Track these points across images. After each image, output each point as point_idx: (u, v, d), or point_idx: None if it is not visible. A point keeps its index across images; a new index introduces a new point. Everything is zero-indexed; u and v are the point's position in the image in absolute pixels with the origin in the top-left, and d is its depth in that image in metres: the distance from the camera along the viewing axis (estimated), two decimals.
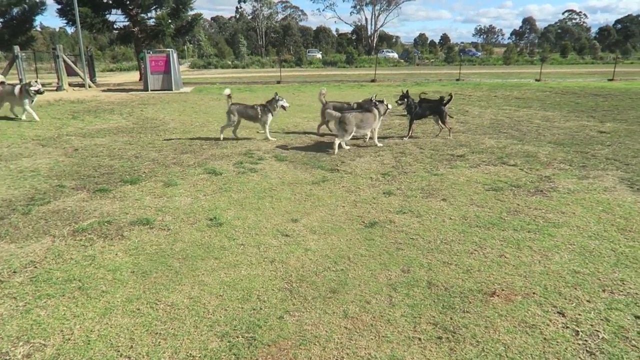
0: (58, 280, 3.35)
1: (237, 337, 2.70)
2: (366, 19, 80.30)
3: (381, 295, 3.13)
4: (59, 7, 22.32)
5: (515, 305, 3.00)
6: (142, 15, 24.11)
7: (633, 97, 14.76)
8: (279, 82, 22.33)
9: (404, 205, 4.94)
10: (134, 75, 28.99)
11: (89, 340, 2.66)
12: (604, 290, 3.16)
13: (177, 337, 2.69)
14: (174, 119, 11.17)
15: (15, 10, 22.93)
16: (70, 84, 19.31)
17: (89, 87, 20.14)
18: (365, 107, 8.25)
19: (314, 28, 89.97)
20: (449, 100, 8.66)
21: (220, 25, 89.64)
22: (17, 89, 10.57)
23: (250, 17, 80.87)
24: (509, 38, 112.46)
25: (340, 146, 7.63)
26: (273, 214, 4.71)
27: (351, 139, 7.85)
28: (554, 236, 4.07)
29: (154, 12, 24.56)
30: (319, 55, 59.22)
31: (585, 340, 2.63)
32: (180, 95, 17.14)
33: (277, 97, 8.50)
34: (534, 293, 3.14)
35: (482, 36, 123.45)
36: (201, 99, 15.59)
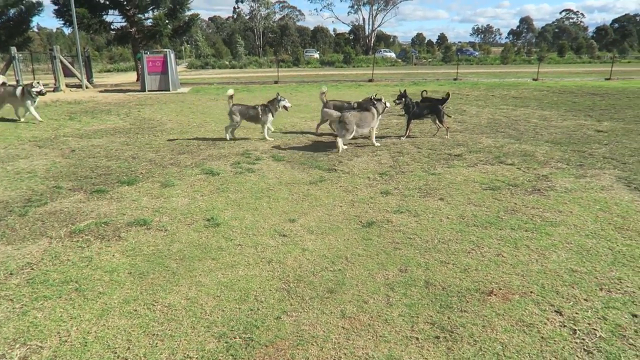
0: (55, 281, 3.34)
1: (235, 337, 2.69)
2: (364, 19, 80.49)
3: (379, 295, 3.13)
4: (56, 7, 22.28)
5: (513, 304, 3.00)
6: (139, 15, 24.06)
7: (630, 96, 14.80)
8: (276, 82, 22.32)
9: (401, 204, 4.94)
10: (132, 76, 28.96)
11: (86, 342, 2.65)
12: (601, 289, 3.17)
13: (174, 338, 2.69)
14: (171, 120, 11.15)
15: (12, 11, 22.86)
16: (67, 85, 19.27)
17: (86, 87, 20.10)
18: (364, 106, 8.25)
19: (312, 28, 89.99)
20: (445, 100, 8.68)
21: (218, 26, 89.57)
22: (18, 91, 10.51)
23: (247, 17, 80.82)
24: (506, 37, 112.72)
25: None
26: (270, 214, 4.70)
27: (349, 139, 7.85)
28: (552, 235, 4.08)
29: (151, 12, 24.51)
30: (316, 55, 59.18)
31: (583, 339, 2.63)
32: (178, 95, 17.12)
33: (279, 97, 8.49)
34: (531, 292, 3.14)
35: (479, 36, 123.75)
36: (199, 100, 15.57)
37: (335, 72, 34.52)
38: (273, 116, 8.52)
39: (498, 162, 6.71)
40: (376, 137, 8.13)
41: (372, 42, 76.47)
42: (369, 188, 5.55)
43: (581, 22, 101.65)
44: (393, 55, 61.85)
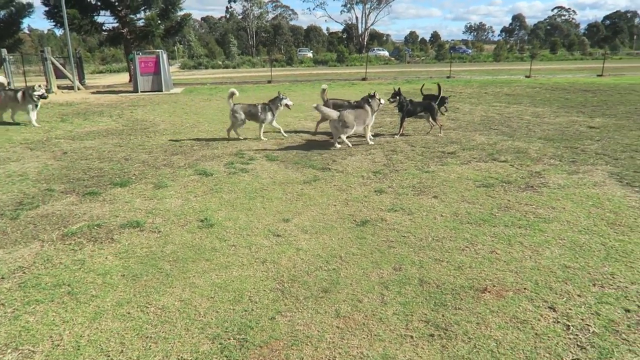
0: (47, 285, 3.31)
1: (229, 339, 2.68)
2: (357, 18, 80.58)
3: (373, 294, 3.13)
4: (47, 9, 22.13)
5: (507, 301, 3.01)
6: (131, 16, 23.96)
7: (622, 92, 14.89)
8: (269, 82, 22.28)
9: (395, 203, 4.94)
10: (124, 77, 28.80)
11: (79, 346, 2.63)
12: (594, 285, 3.18)
13: (168, 341, 2.67)
14: (164, 121, 11.10)
15: (1, 13, 22.72)
16: (59, 87, 19.13)
17: (78, 89, 19.97)
18: (355, 103, 8.28)
19: (305, 27, 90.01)
20: (439, 93, 8.72)
21: (211, 26, 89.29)
22: (19, 95, 10.39)
23: (240, 17, 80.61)
24: (499, 35, 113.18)
25: (338, 143, 7.68)
26: (264, 214, 4.69)
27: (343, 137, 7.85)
28: (545, 231, 4.09)
29: (143, 13, 24.41)
30: (310, 54, 59.17)
31: (576, 335, 2.64)
32: (171, 96, 17.05)
33: (280, 95, 8.48)
34: (525, 288, 3.15)
35: (472, 33, 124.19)
36: (192, 100, 15.51)
37: (329, 71, 34.51)
38: (274, 115, 8.50)
39: (491, 159, 6.73)
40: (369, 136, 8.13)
41: (366, 40, 76.54)
42: (363, 187, 5.55)
43: (573, 19, 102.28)
44: (386, 53, 61.96)
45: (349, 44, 72.20)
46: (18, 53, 24.86)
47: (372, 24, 79.26)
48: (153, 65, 18.12)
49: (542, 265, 3.48)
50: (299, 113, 11.72)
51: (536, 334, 2.66)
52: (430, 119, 8.73)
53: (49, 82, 18.39)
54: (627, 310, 2.86)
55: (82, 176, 6.20)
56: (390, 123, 10.20)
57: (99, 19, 23.61)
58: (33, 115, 10.44)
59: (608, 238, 3.92)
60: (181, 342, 2.65)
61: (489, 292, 3.12)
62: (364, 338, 2.67)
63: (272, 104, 8.43)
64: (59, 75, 19.83)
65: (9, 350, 2.60)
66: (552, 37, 77.30)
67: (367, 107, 7.80)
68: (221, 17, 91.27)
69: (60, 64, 20.83)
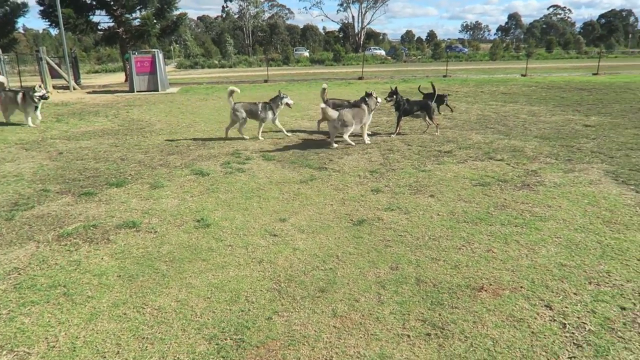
0: (42, 286, 3.30)
1: (225, 339, 2.67)
2: (353, 17, 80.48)
3: (370, 293, 3.13)
4: (42, 8, 22.01)
5: (503, 299, 3.01)
6: (127, 15, 23.87)
7: (617, 91, 14.95)
8: (266, 81, 22.26)
9: (392, 202, 4.94)
10: (120, 77, 28.70)
11: (75, 347, 2.62)
12: (590, 283, 3.19)
13: (164, 341, 2.66)
14: (160, 120, 11.07)
15: None
16: (54, 87, 19.05)
17: (74, 89, 19.89)
18: (354, 102, 8.28)
19: (301, 26, 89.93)
20: (434, 92, 8.74)
21: (207, 25, 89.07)
22: (19, 96, 10.30)
23: (236, 16, 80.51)
24: (495, 34, 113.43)
25: (335, 143, 7.70)
26: (261, 213, 4.68)
27: (337, 136, 7.86)
28: (541, 230, 4.10)
29: (138, 12, 24.33)
30: (306, 54, 59.10)
31: (572, 333, 2.65)
32: (167, 96, 17.00)
33: (281, 94, 8.47)
34: (521, 287, 3.16)
35: (468, 32, 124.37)
36: (188, 100, 15.48)
37: (326, 70, 34.49)
38: (275, 114, 8.49)
39: (488, 158, 6.75)
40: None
41: (362, 39, 76.57)
42: (360, 186, 5.55)
43: (568, 17, 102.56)
44: (383, 52, 62.00)
45: (346, 43, 72.24)
46: (13, 53, 24.74)
47: (368, 23, 79.37)
48: (149, 64, 18.06)
49: (538, 263, 3.49)
50: (295, 112, 11.71)
51: (532, 332, 2.67)
52: (427, 118, 8.74)
53: (44, 82, 18.30)
54: (623, 308, 2.87)
55: (78, 176, 6.18)
56: (387, 122, 10.20)
57: (95, 19, 23.56)
58: (34, 117, 10.36)
59: (604, 236, 3.94)
60: (177, 343, 2.64)
61: (486, 290, 3.12)
62: (361, 337, 2.67)
63: (273, 103, 8.41)
64: (55, 75, 19.74)
65: (4, 352, 2.58)
66: (548, 35, 77.57)
67: (364, 106, 7.80)
68: (217, 16, 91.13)
69: (56, 63, 20.73)
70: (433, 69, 30.91)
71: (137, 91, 17.99)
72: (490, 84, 18.50)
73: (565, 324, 2.74)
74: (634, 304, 2.91)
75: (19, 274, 3.49)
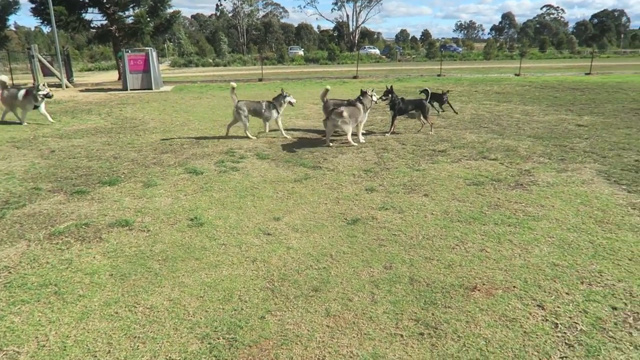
0: (33, 285, 3.27)
1: (218, 338, 2.66)
2: (347, 16, 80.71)
3: (363, 293, 3.13)
4: (33, 6, 21.79)
5: (496, 299, 3.02)
6: (120, 13, 23.67)
7: (609, 91, 15.05)
8: (260, 80, 22.20)
9: (386, 201, 4.94)
10: (113, 75, 28.51)
11: (65, 346, 2.59)
12: (582, 282, 3.21)
13: (156, 340, 2.64)
14: (153, 119, 11.01)
15: None
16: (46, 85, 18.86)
17: (66, 87, 19.73)
18: (349, 101, 8.26)
19: (296, 25, 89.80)
20: (427, 95, 8.74)
21: (201, 23, 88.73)
22: (21, 93, 10.16)
23: (230, 14, 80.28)
24: (488, 33, 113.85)
25: (328, 142, 7.73)
26: (255, 212, 4.67)
27: (333, 134, 7.85)
28: (534, 229, 4.12)
29: (131, 10, 24.16)
30: (300, 52, 59.05)
31: (564, 333, 2.66)
32: (160, 94, 16.92)
33: (284, 93, 8.44)
34: (514, 287, 3.17)
35: (462, 32, 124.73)
36: (182, 98, 15.40)
37: (320, 69, 34.46)
38: (279, 112, 8.45)
39: (481, 157, 6.77)
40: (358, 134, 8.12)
41: (357, 38, 76.57)
42: (354, 185, 5.55)
43: (561, 17, 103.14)
44: (377, 51, 62.00)
45: (340, 42, 72.16)
46: (4, 50, 24.52)
47: (363, 22, 79.43)
48: (142, 63, 17.96)
49: (531, 263, 3.50)
50: (289, 111, 11.67)
51: (525, 332, 2.68)
52: (422, 117, 8.75)
53: (36, 80, 18.15)
54: (614, 308, 2.89)
55: (70, 175, 6.13)
56: (382, 121, 10.20)
57: (87, 16, 23.29)
58: (25, 114, 10.25)
59: (596, 236, 3.96)
60: (170, 342, 2.63)
61: (479, 290, 3.13)
62: (354, 337, 2.66)
63: (276, 102, 8.38)
64: (47, 73, 19.58)
65: None
66: (541, 35, 78.00)
67: (360, 105, 7.79)
68: (211, 14, 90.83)
69: (48, 61, 20.57)
70: (427, 68, 30.96)
71: (131, 89, 17.88)
72: (484, 84, 18.57)
73: (557, 323, 2.75)
74: (625, 304, 2.93)
75: (10, 272, 3.46)
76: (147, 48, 18.81)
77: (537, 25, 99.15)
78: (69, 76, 22.03)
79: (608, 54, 53.20)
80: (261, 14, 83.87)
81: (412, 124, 9.64)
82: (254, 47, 71.98)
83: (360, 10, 76.35)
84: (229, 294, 3.13)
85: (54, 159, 7.05)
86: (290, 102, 8.49)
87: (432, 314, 2.86)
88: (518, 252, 3.68)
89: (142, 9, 23.46)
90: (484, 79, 21.24)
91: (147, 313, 2.92)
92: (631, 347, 2.52)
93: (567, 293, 3.07)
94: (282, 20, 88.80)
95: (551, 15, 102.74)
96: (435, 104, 10.81)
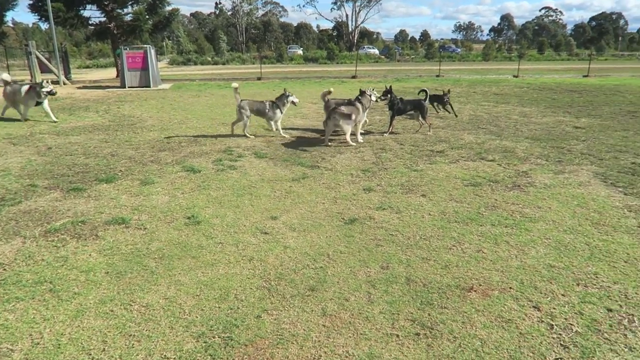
0: (28, 282, 3.25)
1: (214, 337, 2.65)
2: (347, 15, 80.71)
3: (360, 292, 3.12)
4: (31, 2, 21.70)
5: (492, 300, 3.02)
6: (118, 10, 23.61)
7: (607, 93, 15.09)
8: (259, 79, 22.17)
9: (383, 201, 4.94)
10: (111, 72, 28.44)
11: (59, 344, 2.58)
12: (578, 284, 3.21)
13: (151, 339, 2.63)
14: (151, 116, 10.98)
15: None
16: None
17: (64, 84, 19.67)
18: (347, 100, 8.26)
19: (295, 24, 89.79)
20: (426, 95, 8.74)
21: (200, 21, 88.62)
22: (24, 89, 10.09)
23: (230, 13, 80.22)
24: (487, 34, 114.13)
25: (327, 141, 7.71)
26: (252, 211, 4.66)
27: (332, 134, 7.85)
28: (531, 231, 4.12)
29: (130, 7, 24.08)
30: (300, 52, 59.02)
31: (560, 334, 2.67)
32: (159, 92, 16.88)
33: (286, 92, 8.42)
34: (510, 288, 3.17)
35: (461, 33, 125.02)
36: (180, 96, 15.37)
37: (319, 69, 34.44)
38: (282, 112, 8.44)
39: (479, 158, 6.77)
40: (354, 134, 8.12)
41: (356, 38, 76.64)
42: (352, 185, 5.54)
43: (560, 19, 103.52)
44: (376, 51, 62.04)
45: (339, 42, 72.22)
46: (2, 47, 24.42)
47: (362, 22, 79.53)
48: (141, 60, 17.91)
49: (527, 264, 3.50)
50: (288, 111, 11.63)
51: (520, 333, 2.68)
52: (420, 118, 8.76)
53: (33, 77, 18.08)
54: (610, 310, 2.90)
55: (67, 172, 6.11)
56: (380, 121, 10.20)
57: (85, 13, 23.24)
58: (25, 110, 10.19)
59: (592, 238, 3.97)
60: (165, 341, 2.62)
61: (475, 291, 3.13)
62: (350, 337, 2.66)
63: (279, 101, 8.36)
64: (44, 69, 19.50)
65: None
66: (540, 37, 78.16)
67: (358, 104, 7.79)
68: (210, 13, 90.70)
69: (46, 58, 20.49)
70: (426, 69, 30.99)
71: (129, 87, 17.83)
72: (483, 85, 18.59)
73: (552, 325, 2.75)
74: (620, 306, 2.94)
75: (4, 269, 3.44)
76: (145, 46, 18.77)
77: (536, 27, 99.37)
78: (67, 73, 21.96)
79: (606, 57, 53.39)
80: (260, 12, 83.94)
81: (410, 124, 9.64)
82: (253, 45, 71.92)
83: (360, 10, 76.49)
84: (225, 292, 3.13)
85: (51, 155, 7.02)
86: (293, 102, 8.47)
87: (429, 315, 2.86)
88: (515, 253, 3.68)
89: (141, 6, 23.41)
90: (482, 80, 21.27)
91: (143, 311, 2.91)
92: (626, 349, 2.53)
93: (562, 294, 3.08)
94: (282, 19, 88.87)
95: (550, 18, 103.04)
96: (436, 104, 10.82)
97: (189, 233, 4.11)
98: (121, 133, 8.87)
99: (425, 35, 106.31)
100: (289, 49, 59.90)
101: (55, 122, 10.03)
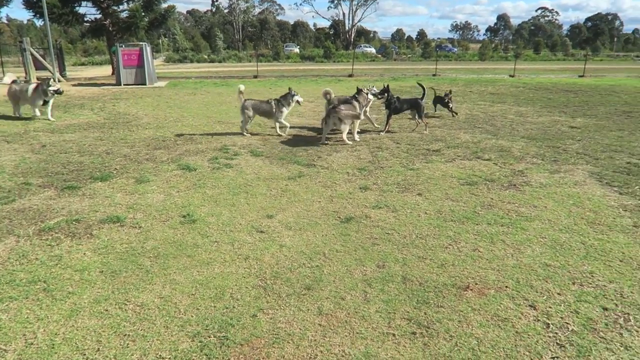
0: (22, 281, 3.22)
1: (209, 336, 2.64)
2: (344, 14, 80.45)
3: (356, 291, 3.11)
4: None
5: (488, 299, 3.02)
6: (114, 7, 23.47)
7: (602, 93, 15.14)
8: (255, 77, 22.12)
9: (379, 200, 4.93)
10: (107, 70, 28.28)
11: (53, 344, 2.56)
12: (573, 283, 3.21)
13: (146, 338, 2.62)
14: (147, 114, 10.93)
15: None
16: (38, 79, 18.67)
17: (58, 81, 19.52)
18: (344, 99, 8.25)
19: (292, 22, 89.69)
20: (423, 93, 8.74)
21: (196, 19, 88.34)
22: (31, 87, 9.99)
23: (226, 10, 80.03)
24: (484, 34, 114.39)
25: (324, 140, 7.70)
26: (248, 210, 4.64)
27: (329, 132, 7.83)
28: (527, 230, 4.13)
29: (126, 4, 23.95)
30: (296, 50, 58.96)
31: (556, 333, 2.67)
32: (154, 89, 16.80)
33: (292, 91, 8.38)
34: (506, 287, 3.17)
35: (458, 32, 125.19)
36: (176, 94, 15.31)
37: (316, 67, 34.40)
38: (287, 111, 8.40)
39: (475, 157, 6.78)
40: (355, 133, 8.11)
41: (353, 37, 76.56)
42: (348, 183, 5.53)
43: (556, 20, 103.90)
44: (373, 50, 62.07)
45: (336, 41, 72.11)
46: None
47: (359, 21, 79.40)
48: (136, 58, 17.82)
49: (523, 263, 3.51)
50: None
51: (516, 332, 2.68)
52: (417, 117, 8.75)
53: (28, 74, 17.96)
54: (605, 309, 2.90)
55: (61, 170, 6.06)
56: (376, 120, 10.18)
57: (81, 10, 23.07)
58: (37, 110, 10.09)
59: (588, 237, 3.97)
60: (160, 340, 2.60)
61: (471, 290, 3.13)
62: (346, 336, 2.65)
63: (284, 100, 8.32)
64: (39, 66, 19.34)
65: None
66: (536, 37, 78.36)
67: (355, 103, 7.78)
68: (207, 10, 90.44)
69: (40, 55, 20.32)
70: (423, 68, 31.01)
71: (124, 84, 17.75)
72: (479, 84, 18.62)
73: (548, 324, 2.75)
74: (616, 305, 2.94)
75: None
76: (141, 43, 18.68)
77: (532, 27, 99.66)
78: (62, 70, 21.82)
79: (601, 57, 53.60)
80: (257, 10, 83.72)
81: (407, 123, 9.64)
82: (249, 43, 71.74)
83: (357, 9, 76.39)
84: (221, 291, 3.11)
85: (45, 153, 6.98)
86: (297, 102, 8.44)
87: (425, 314, 2.85)
88: (510, 252, 3.69)
89: (137, 4, 23.28)
90: (478, 79, 21.30)
91: (138, 311, 2.89)
92: (621, 348, 2.53)
93: (558, 293, 3.08)
94: (278, 18, 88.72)
95: (546, 18, 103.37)
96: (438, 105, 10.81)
97: (184, 232, 4.09)
98: (116, 131, 8.82)
99: (422, 34, 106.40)
100: (286, 47, 59.86)
101: (51, 121, 9.95)
